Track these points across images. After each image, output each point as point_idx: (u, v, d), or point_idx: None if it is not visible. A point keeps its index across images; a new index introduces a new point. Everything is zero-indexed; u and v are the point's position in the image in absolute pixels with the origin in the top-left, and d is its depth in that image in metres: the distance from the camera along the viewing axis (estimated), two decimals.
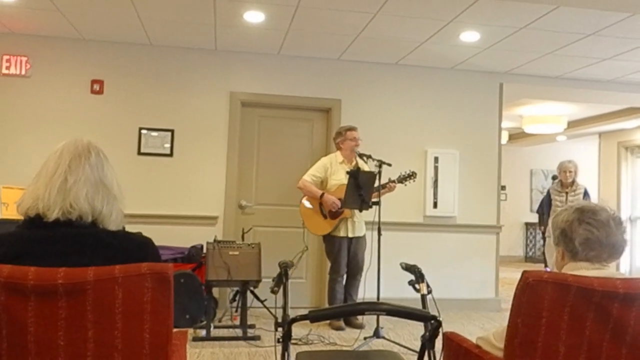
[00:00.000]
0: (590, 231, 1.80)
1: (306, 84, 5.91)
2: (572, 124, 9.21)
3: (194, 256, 5.12)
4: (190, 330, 4.40)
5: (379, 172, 4.65)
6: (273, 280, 2.31)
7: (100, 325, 1.52)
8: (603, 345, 1.69)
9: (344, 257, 4.97)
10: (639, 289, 1.67)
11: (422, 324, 2.04)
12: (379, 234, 4.62)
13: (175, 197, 5.61)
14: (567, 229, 1.84)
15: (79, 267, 1.52)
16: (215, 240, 4.67)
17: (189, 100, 5.71)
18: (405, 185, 4.86)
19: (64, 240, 1.60)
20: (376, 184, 4.70)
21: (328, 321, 4.95)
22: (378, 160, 4.67)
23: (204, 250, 4.76)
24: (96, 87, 5.53)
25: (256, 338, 4.43)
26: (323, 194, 4.94)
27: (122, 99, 5.59)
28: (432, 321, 1.93)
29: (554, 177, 6.94)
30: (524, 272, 1.71)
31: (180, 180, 5.64)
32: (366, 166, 5.02)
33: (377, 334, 4.45)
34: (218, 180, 5.70)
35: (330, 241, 5.03)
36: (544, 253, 8.51)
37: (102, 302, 1.52)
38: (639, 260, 8.99)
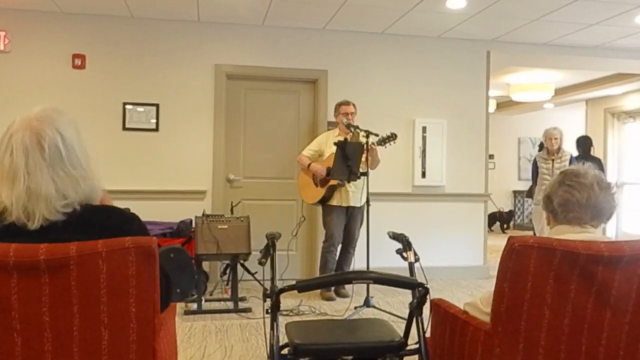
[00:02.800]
0: (570, 192, 1.80)
1: (292, 55, 5.84)
2: (560, 91, 9.21)
3: (183, 231, 5.11)
4: (182, 304, 4.42)
5: (367, 143, 4.63)
6: (261, 252, 2.31)
7: (85, 301, 1.52)
8: (587, 307, 1.71)
9: (337, 227, 4.99)
10: (623, 252, 1.68)
11: (410, 292, 2.06)
12: (368, 205, 4.63)
13: (163, 172, 5.57)
14: (550, 192, 1.85)
15: (62, 243, 1.50)
16: (204, 215, 4.66)
17: (174, 73, 5.63)
18: (386, 147, 4.78)
19: (51, 235, 1.56)
20: (364, 157, 4.69)
21: (319, 292, 4.99)
22: (365, 131, 4.65)
23: (193, 225, 4.75)
24: (77, 61, 5.42)
25: (247, 310, 4.46)
26: (310, 164, 4.98)
27: (104, 74, 5.50)
28: (420, 288, 1.94)
29: (540, 145, 6.96)
30: (510, 238, 1.72)
31: (167, 155, 5.59)
32: (362, 138, 4.96)
33: (367, 303, 4.50)
34: (205, 155, 5.66)
35: (325, 210, 5.06)
36: (532, 220, 8.59)
37: (86, 278, 1.50)
38: (625, 224, 9.11)
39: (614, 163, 9.39)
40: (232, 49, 5.73)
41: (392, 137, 4.73)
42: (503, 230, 11.42)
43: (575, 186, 1.80)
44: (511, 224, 11.74)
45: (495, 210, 11.64)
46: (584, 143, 7.12)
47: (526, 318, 1.71)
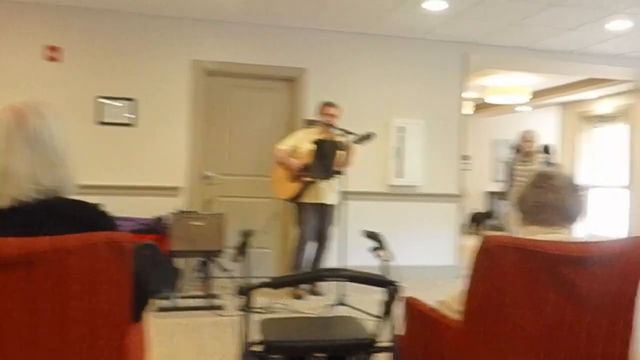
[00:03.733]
0: (541, 195, 1.84)
1: (271, 52, 5.82)
2: (535, 95, 9.36)
3: (156, 227, 5.06)
4: (155, 301, 4.37)
5: (342, 142, 4.64)
6: (235, 250, 2.29)
7: (56, 297, 1.49)
8: (556, 306, 1.74)
9: (310, 225, 4.99)
10: (591, 253, 1.72)
11: (383, 290, 2.07)
12: (343, 203, 4.64)
13: (138, 167, 5.51)
14: (522, 194, 1.88)
15: (33, 237, 1.47)
16: (178, 211, 4.62)
17: (151, 68, 5.56)
18: (363, 145, 4.82)
19: (19, 217, 1.54)
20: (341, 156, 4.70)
21: (290, 290, 4.99)
22: (342, 130, 4.66)
23: (168, 221, 4.70)
24: (51, 53, 5.32)
25: (220, 307, 4.44)
26: (287, 156, 4.98)
27: (79, 67, 5.41)
28: (392, 286, 1.95)
29: (515, 147, 7.06)
30: (484, 237, 1.74)
31: (143, 151, 5.53)
32: (342, 139, 4.96)
33: (340, 301, 4.51)
34: (182, 151, 5.61)
35: (299, 208, 5.05)
36: (506, 221, 8.71)
37: (57, 273, 1.48)
38: (596, 227, 9.30)
39: (585, 166, 9.57)
40: (211, 45, 5.69)
41: (370, 135, 4.75)
42: (481, 230, 11.54)
43: (547, 188, 1.84)
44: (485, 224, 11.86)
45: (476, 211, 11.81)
46: (545, 150, 7.28)
47: (497, 316, 1.74)
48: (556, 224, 1.86)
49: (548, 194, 1.83)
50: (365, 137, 4.74)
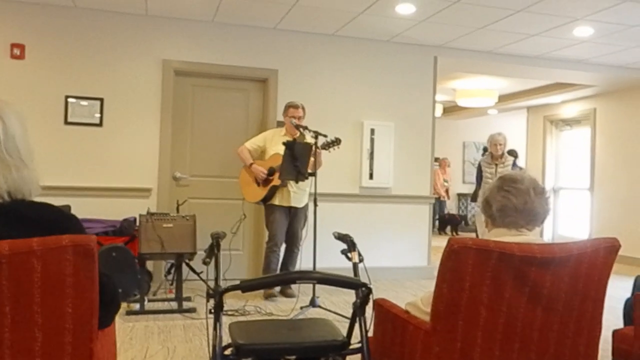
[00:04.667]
0: (508, 198, 1.88)
1: (242, 53, 5.80)
2: (503, 98, 9.53)
3: (126, 229, 4.99)
4: (124, 304, 4.31)
5: (315, 144, 4.65)
6: (206, 252, 2.28)
7: (18, 301, 1.45)
8: (521, 307, 1.78)
9: (279, 226, 4.99)
10: (554, 254, 1.76)
11: (354, 292, 2.09)
12: (315, 205, 4.65)
13: (106, 168, 5.42)
14: (488, 197, 1.92)
15: None
16: (148, 213, 4.56)
17: (119, 67, 5.48)
18: (330, 151, 4.83)
19: None
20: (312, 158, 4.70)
21: (262, 291, 4.97)
22: (314, 132, 4.67)
23: (137, 223, 4.64)
24: (16, 51, 5.20)
25: (191, 310, 4.40)
26: (252, 163, 4.98)
27: (45, 65, 5.29)
28: (363, 288, 1.97)
29: (484, 149, 7.18)
30: (450, 239, 1.77)
31: (111, 151, 5.44)
32: (310, 139, 4.96)
33: (313, 303, 4.52)
34: (151, 151, 5.55)
35: (267, 210, 5.05)
36: (474, 223, 8.85)
37: (19, 277, 1.44)
38: (561, 228, 9.52)
39: (551, 168, 9.79)
40: (181, 44, 5.64)
41: (337, 141, 4.77)
42: (453, 233, 11.69)
43: (512, 192, 1.88)
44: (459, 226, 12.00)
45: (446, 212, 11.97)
46: (510, 154, 7.42)
47: (464, 317, 1.77)
48: (522, 226, 1.90)
49: (513, 197, 1.88)
50: (333, 143, 4.76)
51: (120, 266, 4.60)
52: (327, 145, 4.77)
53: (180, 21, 5.61)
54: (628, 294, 2.85)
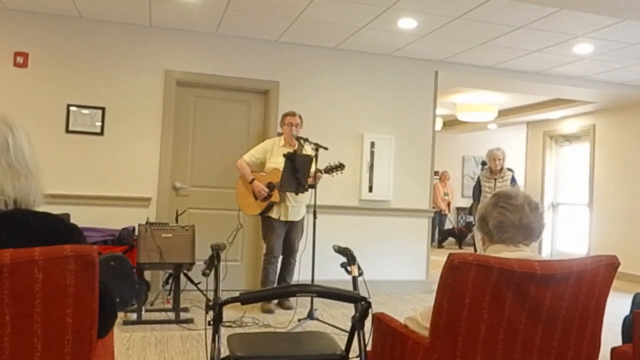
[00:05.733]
0: (504, 214, 1.89)
1: (244, 64, 5.83)
2: (502, 113, 9.57)
3: (125, 238, 4.98)
4: (121, 314, 4.30)
5: (316, 156, 4.66)
6: (205, 263, 2.28)
7: (19, 310, 1.45)
8: (521, 323, 1.78)
9: (276, 239, 4.98)
10: (554, 271, 1.76)
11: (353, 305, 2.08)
12: (315, 217, 4.66)
13: (107, 177, 5.43)
14: (484, 214, 1.94)
15: None
16: (147, 222, 4.56)
17: (122, 77, 5.51)
18: (332, 176, 4.85)
19: None
20: (313, 168, 4.72)
21: (260, 304, 4.96)
22: (314, 144, 4.68)
23: (136, 233, 4.63)
24: (20, 59, 5.23)
25: (189, 321, 4.38)
26: (253, 179, 4.95)
27: (48, 74, 5.32)
28: (362, 302, 1.97)
29: (483, 164, 7.20)
30: (450, 255, 1.77)
31: (112, 160, 5.45)
32: (310, 151, 4.97)
33: (310, 316, 4.51)
34: (151, 161, 5.56)
35: (264, 222, 5.04)
36: (473, 237, 8.85)
37: (20, 286, 1.44)
38: (560, 243, 9.52)
39: (550, 183, 9.81)
40: (183, 55, 5.67)
41: (340, 167, 4.77)
42: (459, 247, 11.67)
43: (508, 208, 1.89)
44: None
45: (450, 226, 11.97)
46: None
47: (463, 333, 1.76)
48: (519, 242, 1.91)
49: (509, 213, 1.89)
50: (336, 168, 4.77)
51: (118, 275, 4.59)
52: (331, 170, 4.78)
53: (184, 32, 5.65)
54: (627, 311, 2.85)
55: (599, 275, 1.83)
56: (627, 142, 8.12)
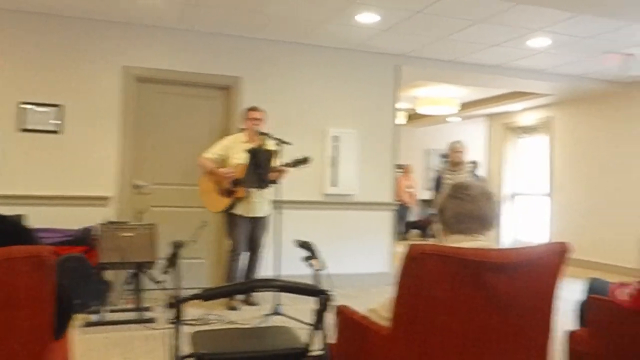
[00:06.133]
0: (460, 205, 1.93)
1: (205, 60, 5.76)
2: (464, 106, 9.73)
3: (85, 239, 4.86)
4: (83, 316, 4.20)
5: (279, 151, 4.65)
6: (165, 261, 2.25)
7: None
8: (478, 311, 1.82)
9: (241, 235, 4.96)
10: (510, 259, 1.80)
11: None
12: (279, 213, 4.64)
13: (65, 176, 5.29)
14: (442, 205, 1.97)
15: None
16: (107, 222, 4.47)
17: (79, 73, 5.37)
18: (299, 169, 4.86)
19: None
20: (275, 164, 4.70)
21: (224, 301, 4.92)
22: (277, 139, 4.67)
23: (96, 232, 4.54)
24: None
25: (152, 320, 4.32)
26: (218, 168, 4.91)
27: (0, 70, 5.14)
28: (323, 295, 1.98)
29: (443, 157, 7.31)
30: (410, 245, 1.79)
31: (70, 159, 5.31)
32: (273, 146, 4.94)
33: (275, 311, 4.50)
34: (111, 159, 5.44)
35: (228, 219, 5.01)
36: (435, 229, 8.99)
37: None
38: (520, 233, 9.74)
39: (510, 175, 10.02)
40: (142, 50, 5.56)
41: (305, 160, 4.75)
42: (423, 238, 11.85)
43: (465, 198, 1.93)
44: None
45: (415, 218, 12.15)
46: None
47: (423, 322, 1.79)
48: (476, 231, 1.95)
49: (466, 204, 1.92)
50: (302, 161, 4.76)
51: (78, 276, 4.49)
52: (296, 163, 4.76)
53: (143, 27, 5.54)
54: (582, 297, 2.94)
55: (551, 261, 1.89)
56: (584, 134, 8.37)
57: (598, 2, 4.57)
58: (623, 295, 2.39)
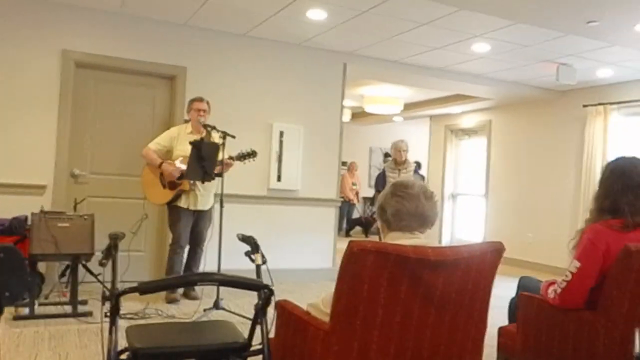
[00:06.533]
0: (401, 203, 1.98)
1: (150, 48, 5.61)
2: (408, 107, 9.93)
3: (16, 228, 4.66)
4: (11, 309, 4.03)
5: (223, 144, 4.61)
6: (103, 253, 2.20)
7: None
8: (415, 306, 1.87)
9: (183, 228, 4.88)
10: (446, 256, 1.87)
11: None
12: (221, 206, 4.61)
13: None
14: (383, 203, 2.02)
15: None
16: (41, 211, 4.30)
17: (13, 56, 5.11)
18: (245, 163, 4.83)
19: None
20: (220, 157, 4.65)
21: (164, 294, 4.84)
22: (222, 132, 4.62)
23: (29, 222, 4.35)
24: None
25: (87, 314, 4.20)
26: (162, 163, 4.81)
27: None
28: (265, 290, 1.99)
29: (386, 155, 7.45)
30: (350, 242, 1.83)
31: (2, 146, 5.06)
32: (218, 139, 4.89)
33: (216, 305, 4.47)
34: (47, 147, 5.22)
35: (171, 211, 4.93)
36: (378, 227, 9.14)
37: None
38: (459, 232, 10.06)
39: (451, 175, 10.32)
40: (83, 35, 5.36)
41: (253, 154, 4.75)
42: (366, 235, 12.02)
43: (405, 197, 1.98)
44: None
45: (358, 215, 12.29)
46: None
47: (362, 317, 1.83)
48: (415, 229, 2.01)
49: (406, 202, 1.98)
50: (249, 155, 4.74)
51: (7, 268, 4.29)
52: (243, 157, 4.74)
53: (84, 10, 5.33)
54: (513, 294, 3.08)
55: (486, 260, 1.97)
56: (517, 137, 8.72)
57: (535, 11, 4.77)
58: (551, 292, 2.52)
